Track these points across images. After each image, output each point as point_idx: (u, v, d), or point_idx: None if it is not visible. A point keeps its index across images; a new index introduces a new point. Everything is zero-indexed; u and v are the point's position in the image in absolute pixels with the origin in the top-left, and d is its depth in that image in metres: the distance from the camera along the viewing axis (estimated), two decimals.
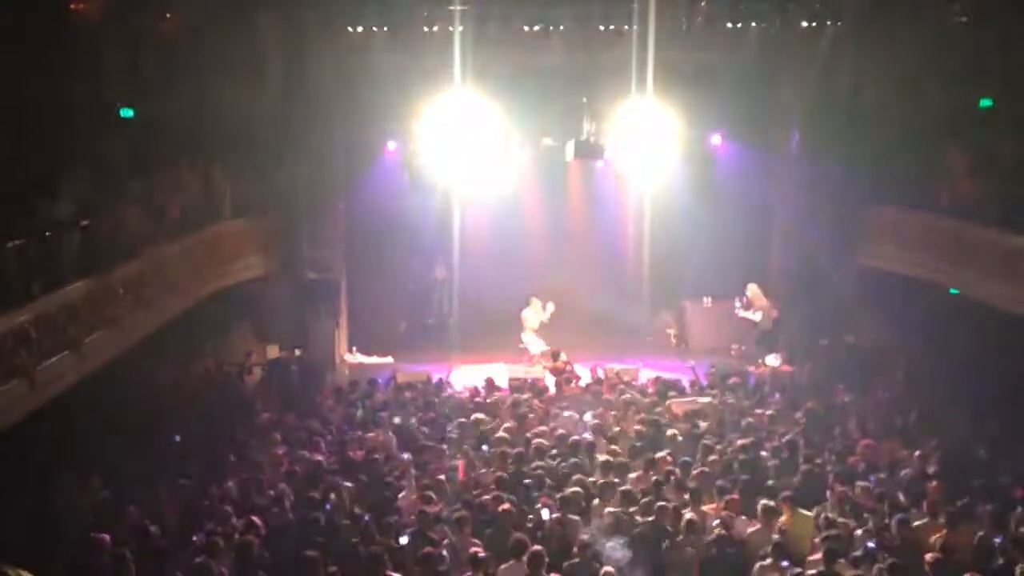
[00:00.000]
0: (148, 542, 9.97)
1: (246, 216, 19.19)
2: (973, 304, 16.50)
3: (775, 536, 9.92)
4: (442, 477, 11.76)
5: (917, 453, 12.84)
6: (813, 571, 9.28)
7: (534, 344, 19.65)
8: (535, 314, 19.72)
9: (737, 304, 20.40)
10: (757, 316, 20.06)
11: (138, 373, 15.25)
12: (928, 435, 13.66)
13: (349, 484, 11.59)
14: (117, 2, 16.11)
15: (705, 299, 21.55)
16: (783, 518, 10.46)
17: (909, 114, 18.89)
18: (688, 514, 10.35)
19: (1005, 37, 17.60)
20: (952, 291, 17.44)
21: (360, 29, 18.99)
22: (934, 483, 11.60)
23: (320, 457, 12.77)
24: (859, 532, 10.20)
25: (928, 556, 9.38)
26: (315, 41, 19.38)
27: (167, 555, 9.72)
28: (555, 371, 18.28)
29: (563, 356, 18.75)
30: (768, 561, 9.52)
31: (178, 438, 14.10)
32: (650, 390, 16.55)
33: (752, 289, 20.21)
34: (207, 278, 17.37)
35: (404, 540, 9.98)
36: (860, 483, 11.53)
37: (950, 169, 17.70)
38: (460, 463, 12.38)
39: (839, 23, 18.87)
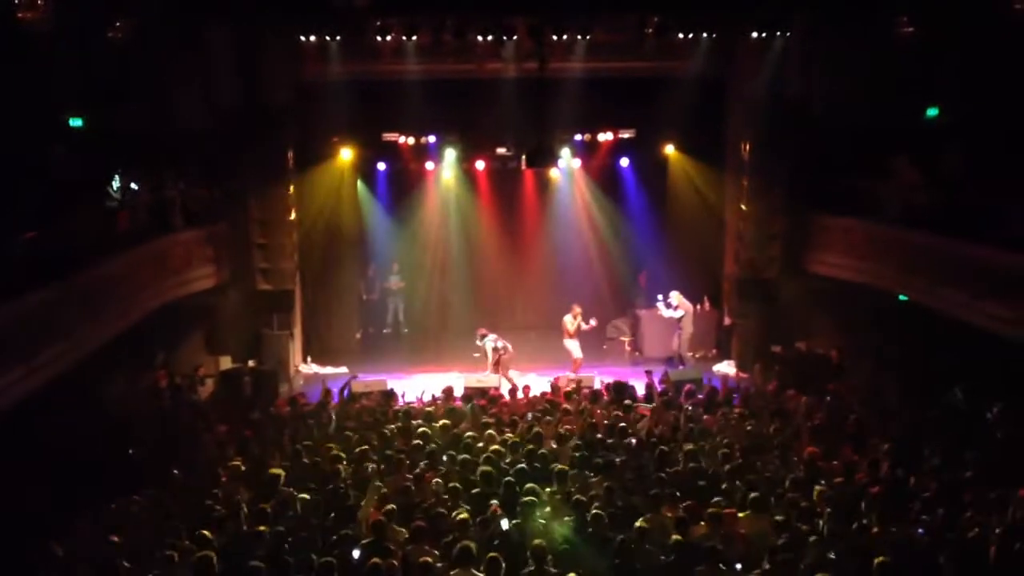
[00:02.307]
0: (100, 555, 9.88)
1: (197, 226, 19.04)
2: (922, 310, 16.78)
3: (727, 542, 10.01)
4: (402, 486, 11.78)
5: (868, 458, 12.97)
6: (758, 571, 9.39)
7: (576, 350, 19.62)
8: (573, 321, 19.70)
9: (659, 299, 20.58)
10: (679, 313, 20.28)
11: (89, 386, 15.09)
12: (880, 439, 13.82)
13: (305, 496, 11.53)
14: (66, 10, 15.91)
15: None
16: (737, 523, 10.58)
17: (857, 123, 19.19)
18: (642, 521, 10.39)
19: (953, 47, 17.91)
20: (901, 297, 17.72)
21: (313, 39, 18.92)
22: (881, 487, 11.80)
23: (275, 468, 12.68)
24: (812, 538, 10.30)
25: (877, 560, 9.50)
26: (267, 50, 19.31)
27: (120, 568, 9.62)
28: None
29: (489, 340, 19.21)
30: (720, 566, 9.59)
31: (131, 451, 13.94)
32: (606, 397, 16.68)
33: (675, 296, 20.44)
34: (158, 289, 17.21)
35: (356, 553, 9.93)
36: (812, 488, 11.65)
37: (898, 178, 17.98)
38: (418, 473, 12.33)
39: (788, 34, 19.10)
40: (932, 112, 19.22)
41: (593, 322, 20.02)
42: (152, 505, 11.59)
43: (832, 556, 9.78)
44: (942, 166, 17.28)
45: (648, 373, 18.01)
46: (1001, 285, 14.63)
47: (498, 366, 19.62)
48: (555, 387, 17.39)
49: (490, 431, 13.96)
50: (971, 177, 16.34)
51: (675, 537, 10.03)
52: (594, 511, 10.66)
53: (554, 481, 11.74)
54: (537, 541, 9.70)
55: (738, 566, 9.62)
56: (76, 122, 17.74)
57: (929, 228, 16.69)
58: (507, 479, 11.70)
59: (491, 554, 9.35)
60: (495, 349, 19.62)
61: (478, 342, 19.92)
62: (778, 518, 10.66)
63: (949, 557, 9.65)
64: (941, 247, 16.30)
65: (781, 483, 11.95)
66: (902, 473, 12.37)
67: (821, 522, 10.62)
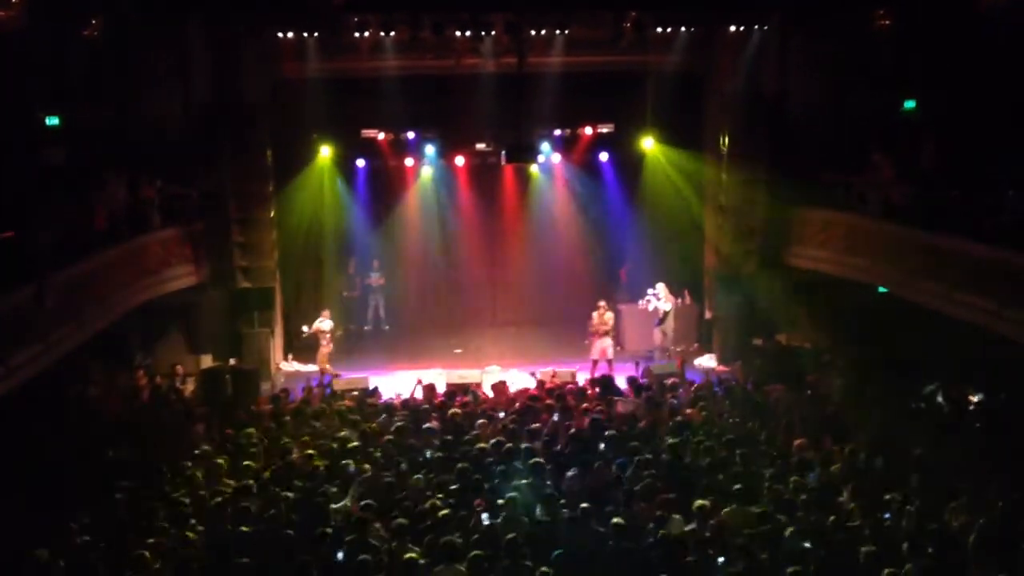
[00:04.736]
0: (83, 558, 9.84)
1: (176, 225, 18.94)
2: (901, 302, 16.85)
3: (708, 534, 10.06)
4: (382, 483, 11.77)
5: (848, 449, 13.03)
6: (742, 565, 9.41)
7: (594, 351, 19.62)
8: (599, 317, 19.65)
9: (650, 292, 20.61)
10: (667, 306, 20.38)
11: (67, 387, 15.01)
12: (860, 431, 13.88)
13: (287, 494, 11.52)
14: (40, 9, 15.81)
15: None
16: (719, 516, 10.62)
17: (835, 116, 19.29)
18: (621, 516, 10.40)
19: (928, 41, 18.00)
20: (880, 289, 17.81)
21: (290, 36, 18.86)
22: (865, 478, 11.90)
23: (257, 467, 12.67)
24: (792, 528, 10.35)
25: (863, 550, 9.56)
26: (244, 48, 19.23)
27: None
28: None
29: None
30: (703, 558, 9.63)
31: (110, 452, 13.86)
32: (588, 391, 16.71)
33: (662, 288, 20.52)
34: (136, 288, 17.12)
35: (340, 555, 9.92)
36: (792, 479, 11.70)
37: (876, 171, 18.06)
38: (398, 470, 12.33)
39: (765, 28, 19.16)
40: (909, 105, 19.31)
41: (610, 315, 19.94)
42: (132, 506, 11.53)
43: (807, 546, 9.86)
44: (919, 159, 17.36)
45: (637, 365, 18.12)
46: (979, 277, 14.71)
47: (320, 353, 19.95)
48: (539, 383, 17.37)
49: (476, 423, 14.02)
50: (948, 170, 16.42)
51: (660, 531, 10.07)
52: (575, 504, 10.72)
53: (532, 475, 11.74)
54: (512, 535, 9.73)
55: (720, 560, 9.64)
56: (52, 121, 17.62)
57: (907, 221, 16.77)
58: (482, 476, 11.72)
59: (474, 552, 9.35)
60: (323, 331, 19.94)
61: (318, 323, 20.11)
62: (759, 510, 10.70)
63: (929, 546, 9.71)
64: (919, 240, 16.37)
65: (763, 476, 12.00)
66: (881, 464, 12.45)
67: (802, 513, 10.68)
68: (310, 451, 13.05)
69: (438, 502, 11.01)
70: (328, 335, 19.99)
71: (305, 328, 20.25)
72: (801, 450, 12.86)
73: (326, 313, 20.34)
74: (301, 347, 21.36)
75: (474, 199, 23.43)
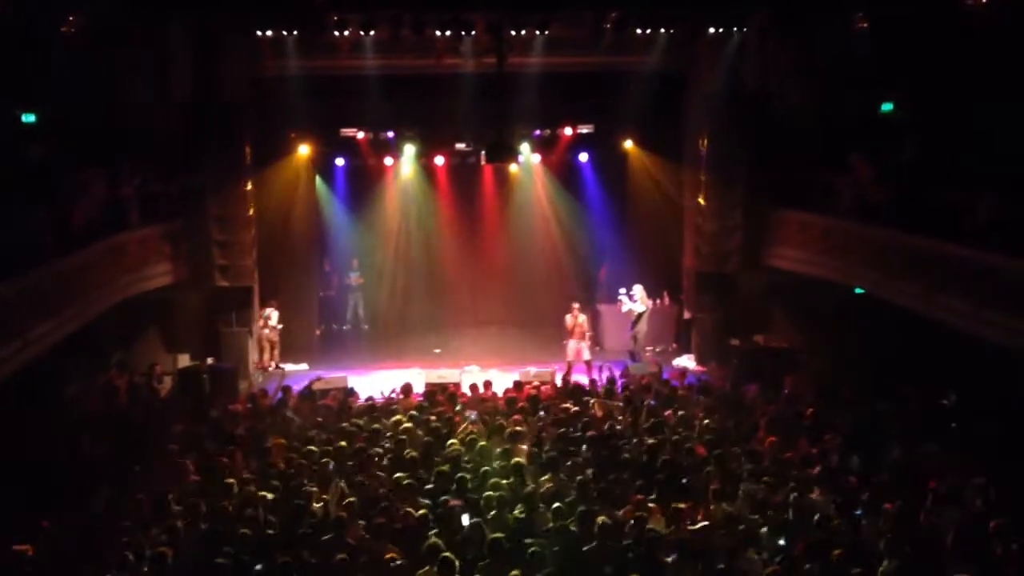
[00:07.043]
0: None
1: (154, 223, 18.83)
2: (878, 303, 16.95)
3: (688, 534, 10.09)
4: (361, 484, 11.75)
5: (823, 449, 13.09)
6: (723, 565, 9.44)
7: (569, 352, 19.61)
8: (571, 320, 19.60)
9: (622, 292, 20.58)
10: (641, 308, 20.34)
11: (44, 385, 14.91)
12: (836, 432, 13.94)
13: (265, 494, 11.47)
14: (18, 6, 15.70)
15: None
16: (698, 516, 10.66)
17: (813, 118, 19.38)
18: (602, 516, 10.42)
19: (907, 42, 18.10)
20: (857, 290, 17.89)
21: (270, 34, 18.79)
22: (847, 478, 11.98)
23: (235, 467, 12.61)
24: (766, 528, 10.41)
25: (835, 552, 9.60)
26: (225, 45, 19.13)
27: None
28: None
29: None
30: (680, 559, 9.65)
31: (85, 452, 13.78)
32: (565, 393, 16.71)
33: (639, 290, 20.49)
34: (114, 286, 17.02)
35: (320, 551, 9.90)
36: (769, 480, 11.74)
37: (854, 172, 18.15)
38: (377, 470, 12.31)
39: (745, 30, 19.23)
40: (887, 107, 19.42)
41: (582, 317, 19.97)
42: (109, 505, 11.47)
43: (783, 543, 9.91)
44: (897, 160, 17.45)
45: (600, 368, 18.07)
46: (957, 278, 14.79)
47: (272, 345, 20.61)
48: (516, 384, 17.36)
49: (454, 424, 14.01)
50: (925, 171, 16.51)
51: (639, 532, 10.09)
52: (554, 505, 10.72)
53: (512, 476, 11.74)
54: (496, 535, 9.73)
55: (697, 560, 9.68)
56: (29, 118, 17.50)
57: (884, 222, 16.86)
58: (463, 476, 11.71)
59: (445, 553, 9.34)
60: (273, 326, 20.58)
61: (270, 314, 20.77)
62: (731, 510, 10.75)
63: (906, 546, 9.76)
64: (896, 241, 16.46)
65: (740, 476, 12.04)
66: (858, 464, 12.52)
67: (776, 513, 10.72)
68: (288, 450, 13.04)
69: (417, 503, 10.99)
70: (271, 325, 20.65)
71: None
72: (777, 450, 12.94)
73: (273, 303, 20.74)
74: (280, 346, 21.29)
75: (454, 199, 23.45)
